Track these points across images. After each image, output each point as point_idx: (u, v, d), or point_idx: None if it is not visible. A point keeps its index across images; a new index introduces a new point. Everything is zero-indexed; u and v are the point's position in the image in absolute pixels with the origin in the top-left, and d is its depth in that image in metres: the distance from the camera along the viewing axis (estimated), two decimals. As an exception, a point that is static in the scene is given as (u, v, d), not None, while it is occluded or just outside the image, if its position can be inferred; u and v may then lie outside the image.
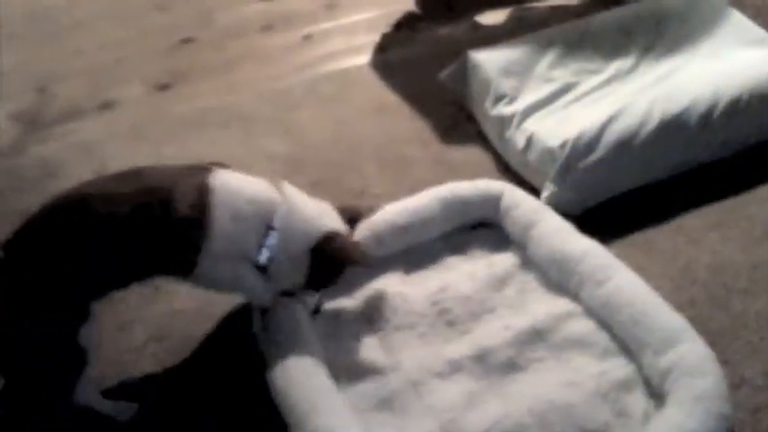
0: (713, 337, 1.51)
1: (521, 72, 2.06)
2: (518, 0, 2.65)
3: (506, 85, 2.02)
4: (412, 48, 2.53)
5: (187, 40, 2.73)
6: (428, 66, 2.32)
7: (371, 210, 1.70)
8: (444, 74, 2.18)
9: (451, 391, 1.47)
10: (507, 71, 2.06)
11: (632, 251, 1.72)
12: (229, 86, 2.45)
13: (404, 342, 1.58)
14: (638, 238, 1.77)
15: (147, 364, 1.59)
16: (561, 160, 1.79)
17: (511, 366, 1.50)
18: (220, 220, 1.41)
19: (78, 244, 1.38)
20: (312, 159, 2.09)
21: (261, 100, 2.34)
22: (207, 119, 2.29)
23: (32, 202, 1.95)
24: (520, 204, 1.75)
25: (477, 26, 2.61)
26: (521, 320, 1.56)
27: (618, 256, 1.64)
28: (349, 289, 1.68)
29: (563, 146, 1.79)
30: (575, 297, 1.60)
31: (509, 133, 1.95)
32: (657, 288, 1.57)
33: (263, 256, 1.45)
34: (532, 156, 1.87)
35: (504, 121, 1.96)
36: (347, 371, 1.52)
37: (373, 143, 2.13)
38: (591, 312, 1.56)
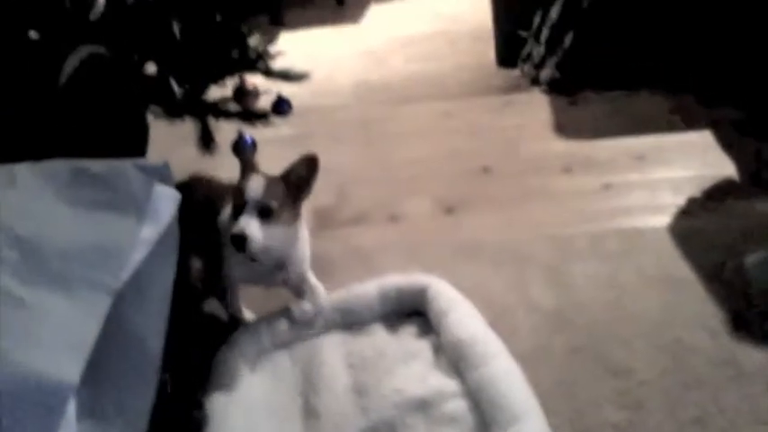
0: None
1: None
2: None
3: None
4: (719, 219, 2.26)
5: (486, 169, 2.77)
6: (734, 243, 2.06)
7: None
8: (750, 259, 1.92)
9: None
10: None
11: None
12: (514, 222, 2.41)
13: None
14: None
15: None
16: None
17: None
18: None
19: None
20: (578, 320, 1.93)
21: (542, 243, 2.25)
22: (482, 251, 2.25)
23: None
24: (441, 295, 1.95)
25: (806, 209, 2.29)
26: (413, 389, 1.74)
27: None
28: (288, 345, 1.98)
29: None
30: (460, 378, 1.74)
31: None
32: None
33: None
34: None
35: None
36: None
37: (650, 318, 1.90)
38: (468, 393, 1.70)
